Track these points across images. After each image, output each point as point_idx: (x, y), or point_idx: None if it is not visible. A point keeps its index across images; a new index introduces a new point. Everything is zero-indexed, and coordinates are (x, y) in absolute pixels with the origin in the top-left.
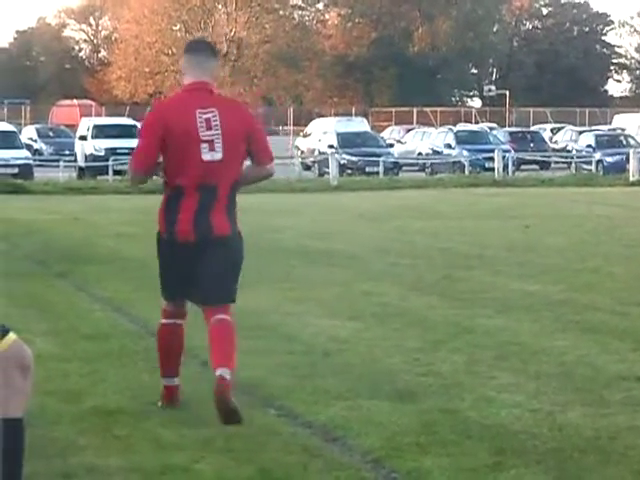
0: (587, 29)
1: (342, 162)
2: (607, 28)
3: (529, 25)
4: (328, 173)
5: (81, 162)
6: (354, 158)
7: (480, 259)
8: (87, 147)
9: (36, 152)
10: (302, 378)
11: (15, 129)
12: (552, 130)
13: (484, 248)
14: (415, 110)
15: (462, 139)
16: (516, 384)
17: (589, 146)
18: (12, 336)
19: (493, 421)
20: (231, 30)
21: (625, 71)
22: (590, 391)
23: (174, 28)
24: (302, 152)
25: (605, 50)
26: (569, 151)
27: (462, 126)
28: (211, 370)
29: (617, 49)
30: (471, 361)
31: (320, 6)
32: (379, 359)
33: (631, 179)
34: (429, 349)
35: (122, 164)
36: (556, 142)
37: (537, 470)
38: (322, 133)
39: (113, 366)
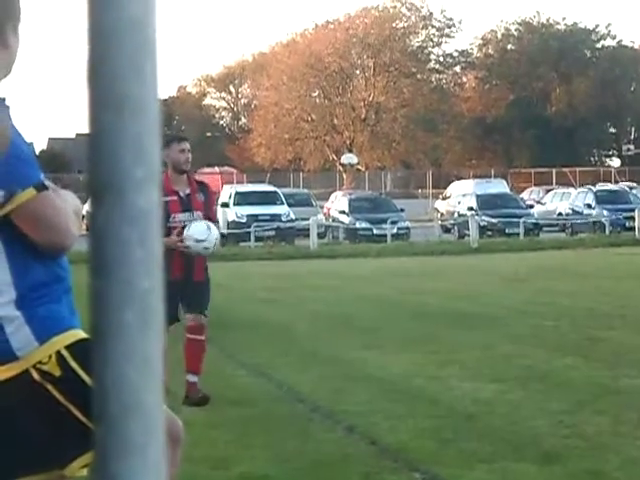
0: None
1: (482, 224)
2: None
3: None
4: (468, 235)
5: (223, 229)
6: (494, 220)
7: (623, 319)
8: (229, 214)
9: None
10: (446, 442)
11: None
12: None
13: (626, 308)
14: (554, 170)
15: (602, 199)
16: None
17: None
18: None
19: None
20: (369, 95)
21: None
22: None
23: (313, 94)
24: (442, 214)
25: None
26: None
27: (601, 186)
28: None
29: None
30: (616, 422)
31: (457, 69)
32: (522, 421)
33: None
34: (573, 411)
35: (264, 230)
36: None
37: None
38: (461, 195)
39: (260, 432)
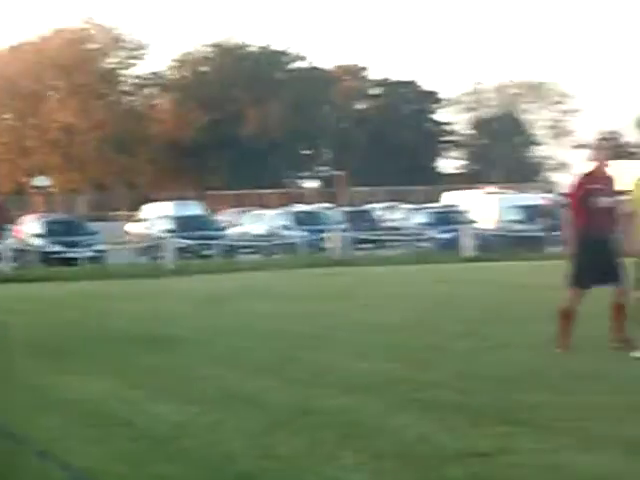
0: (417, 107)
1: (178, 246)
2: (436, 106)
3: (360, 106)
4: (164, 257)
5: None
6: (190, 242)
7: (320, 340)
8: None
9: None
10: (138, 465)
11: None
12: (384, 209)
13: (324, 329)
14: (250, 192)
15: (299, 220)
16: (359, 464)
17: (424, 223)
18: None
19: None
20: (62, 117)
21: (455, 148)
22: (431, 469)
23: (5, 116)
24: (136, 236)
25: (435, 128)
26: (398, 229)
27: (297, 207)
28: None
29: (447, 127)
30: (313, 443)
31: (152, 91)
32: (217, 443)
33: (465, 255)
34: (268, 432)
35: None
36: (388, 220)
37: None
38: (156, 217)
39: None
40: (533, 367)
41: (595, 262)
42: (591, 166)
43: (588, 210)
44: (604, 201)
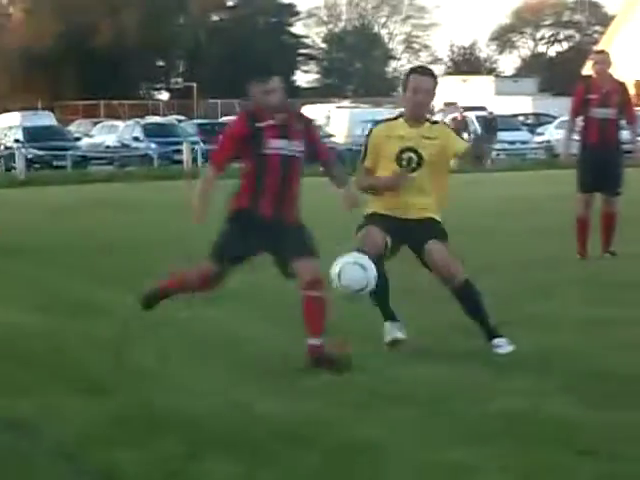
0: (274, 20)
1: (29, 156)
2: (293, 19)
3: (216, 17)
4: (15, 168)
5: None
6: (41, 152)
7: (171, 247)
8: None
9: None
10: None
11: None
12: None
13: (180, 240)
14: (102, 103)
15: (150, 132)
16: (211, 374)
17: None
18: None
19: (187, 412)
20: None
21: (313, 62)
22: (282, 380)
23: None
24: None
25: (293, 41)
26: None
27: (150, 119)
28: None
29: (304, 40)
30: (164, 353)
31: (3, 1)
32: (67, 350)
33: None
34: (121, 341)
35: None
36: None
37: (230, 459)
38: (7, 128)
39: None
40: None
41: (591, 170)
42: (590, 76)
43: (585, 120)
44: (599, 112)
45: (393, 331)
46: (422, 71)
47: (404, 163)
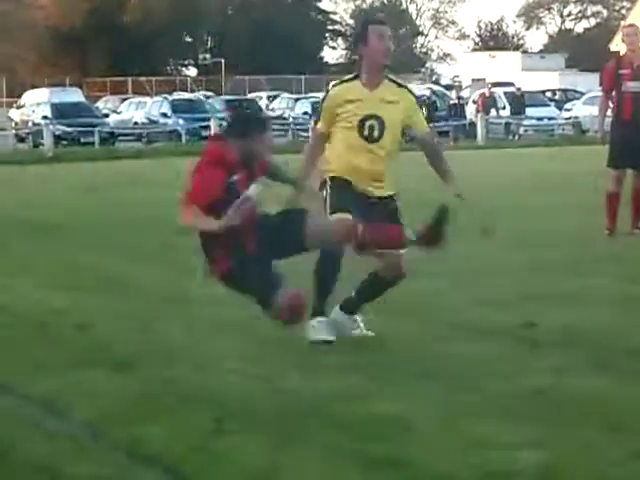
0: None
1: (57, 133)
2: None
3: None
4: (43, 144)
5: None
6: (69, 129)
7: None
8: None
9: None
10: (18, 351)
11: None
12: (268, 98)
13: None
14: (130, 79)
15: (178, 108)
16: (236, 350)
17: (305, 113)
18: None
19: (214, 387)
20: None
21: (340, 38)
22: (307, 356)
23: None
24: (16, 124)
25: (320, 17)
26: (285, 118)
27: (178, 95)
28: None
29: (332, 16)
30: (190, 329)
31: None
32: (94, 326)
33: None
34: (149, 318)
35: None
36: (273, 110)
37: (255, 434)
38: (36, 104)
39: None
40: None
41: (624, 146)
42: (621, 52)
43: (618, 95)
44: (633, 86)
45: (321, 331)
46: (380, 21)
47: (366, 132)
